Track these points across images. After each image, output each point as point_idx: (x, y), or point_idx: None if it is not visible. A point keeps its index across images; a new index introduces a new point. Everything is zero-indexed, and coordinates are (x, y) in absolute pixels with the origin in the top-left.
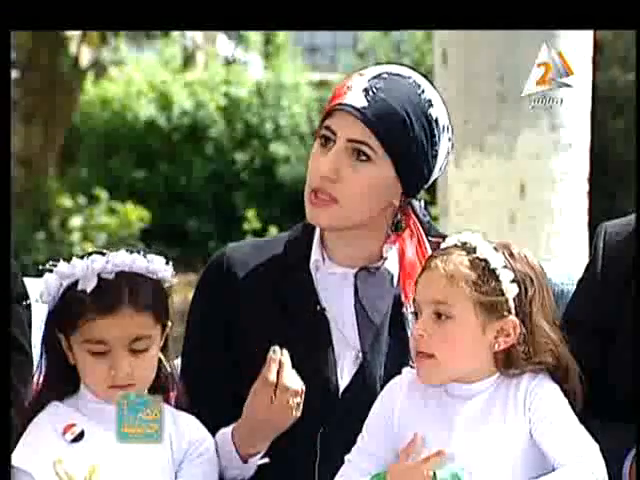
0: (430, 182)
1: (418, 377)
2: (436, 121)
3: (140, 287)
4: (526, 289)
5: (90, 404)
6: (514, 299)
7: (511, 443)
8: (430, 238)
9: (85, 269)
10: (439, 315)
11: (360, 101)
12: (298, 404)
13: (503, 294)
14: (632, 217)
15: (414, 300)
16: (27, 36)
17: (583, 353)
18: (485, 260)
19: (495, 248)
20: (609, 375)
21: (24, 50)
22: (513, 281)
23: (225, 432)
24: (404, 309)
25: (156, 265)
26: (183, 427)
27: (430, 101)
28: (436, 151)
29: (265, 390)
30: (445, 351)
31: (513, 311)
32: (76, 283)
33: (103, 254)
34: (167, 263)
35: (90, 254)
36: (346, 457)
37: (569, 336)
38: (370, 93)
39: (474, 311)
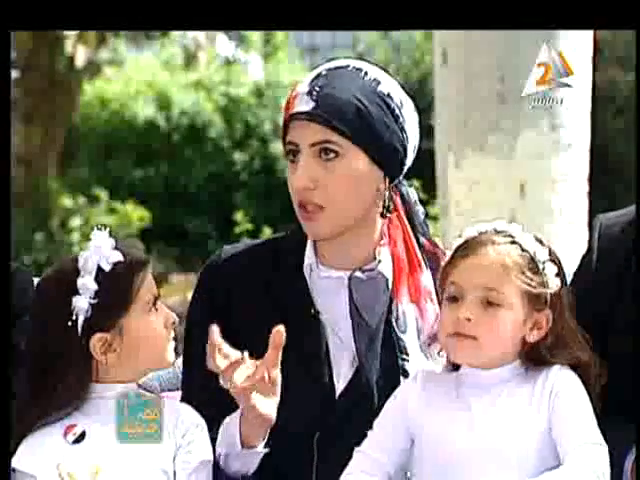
0: (410, 159)
1: (453, 357)
2: (389, 96)
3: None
4: (562, 283)
5: (90, 402)
6: (551, 293)
7: (531, 431)
8: (421, 239)
9: (110, 246)
10: (488, 301)
11: (307, 104)
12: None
13: (547, 287)
14: (627, 209)
15: (452, 283)
16: (27, 36)
17: None
18: (533, 252)
19: (536, 239)
20: (608, 372)
21: (24, 50)
22: (556, 275)
23: (234, 416)
24: (397, 311)
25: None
26: (177, 417)
27: (376, 79)
28: (401, 125)
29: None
30: (489, 336)
31: (549, 304)
32: (100, 270)
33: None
34: None
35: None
36: (356, 449)
37: None
38: (314, 93)
39: (521, 301)
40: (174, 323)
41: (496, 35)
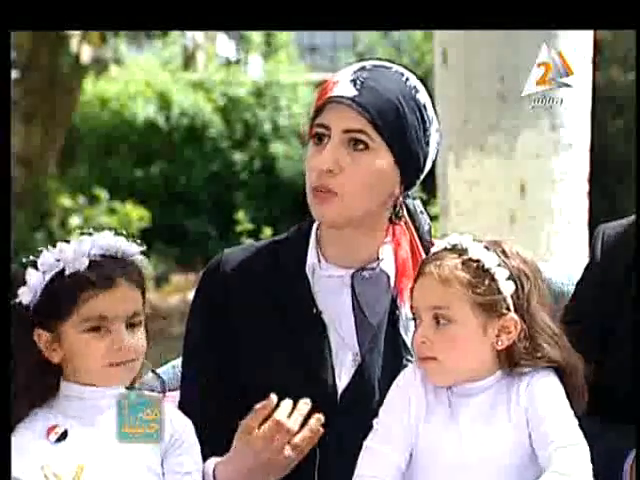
0: (424, 173)
1: (428, 380)
2: (424, 107)
3: (129, 264)
4: (522, 285)
5: (71, 402)
6: (512, 296)
7: (516, 443)
8: (427, 245)
9: (74, 251)
10: (438, 320)
11: (350, 91)
12: (296, 447)
13: (500, 292)
14: (630, 218)
15: (412, 307)
16: (27, 36)
17: (583, 353)
18: (478, 260)
19: (486, 247)
20: (609, 375)
21: (24, 50)
22: (509, 278)
23: (208, 468)
24: (400, 309)
25: (134, 249)
26: (165, 418)
27: (416, 87)
28: (428, 137)
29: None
30: (448, 354)
31: (512, 308)
32: (61, 272)
33: (88, 235)
34: (140, 252)
35: (65, 242)
36: (365, 444)
37: (568, 336)
38: (358, 82)
39: (473, 312)
40: (120, 349)
41: (496, 35)
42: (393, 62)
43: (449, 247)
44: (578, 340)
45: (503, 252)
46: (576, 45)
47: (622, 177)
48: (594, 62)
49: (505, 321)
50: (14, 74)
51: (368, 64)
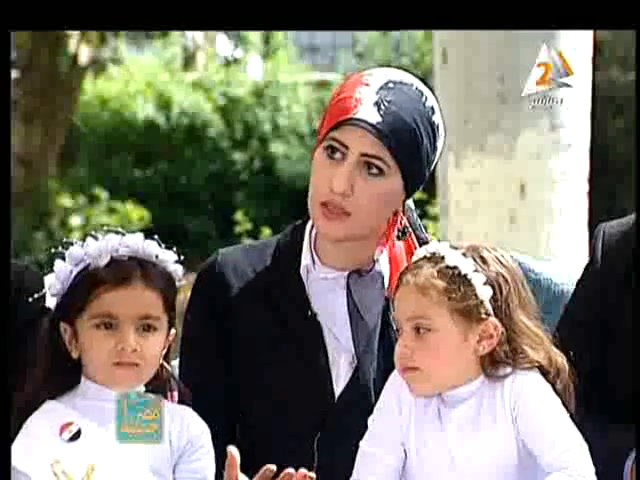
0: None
1: (410, 391)
2: (437, 127)
3: (151, 268)
4: (500, 289)
5: (88, 401)
6: (490, 301)
7: (504, 447)
8: (420, 235)
9: (98, 248)
10: (418, 329)
11: (373, 116)
12: None
13: (477, 298)
14: (630, 217)
15: (393, 318)
16: (27, 36)
17: (583, 353)
18: (454, 267)
19: (464, 254)
20: (609, 375)
21: (24, 50)
22: (485, 283)
23: None
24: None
25: (167, 256)
26: (182, 423)
27: (432, 108)
28: (435, 154)
29: None
30: (429, 363)
31: (492, 312)
32: (87, 267)
33: (117, 233)
34: (177, 262)
35: (96, 234)
36: (360, 447)
37: (569, 336)
38: (382, 107)
39: (452, 320)
40: (123, 350)
41: (496, 35)
42: (412, 73)
43: (428, 255)
44: (578, 340)
45: (481, 257)
46: (576, 45)
47: (622, 177)
48: (594, 62)
49: (485, 326)
50: (14, 74)
51: (390, 80)
